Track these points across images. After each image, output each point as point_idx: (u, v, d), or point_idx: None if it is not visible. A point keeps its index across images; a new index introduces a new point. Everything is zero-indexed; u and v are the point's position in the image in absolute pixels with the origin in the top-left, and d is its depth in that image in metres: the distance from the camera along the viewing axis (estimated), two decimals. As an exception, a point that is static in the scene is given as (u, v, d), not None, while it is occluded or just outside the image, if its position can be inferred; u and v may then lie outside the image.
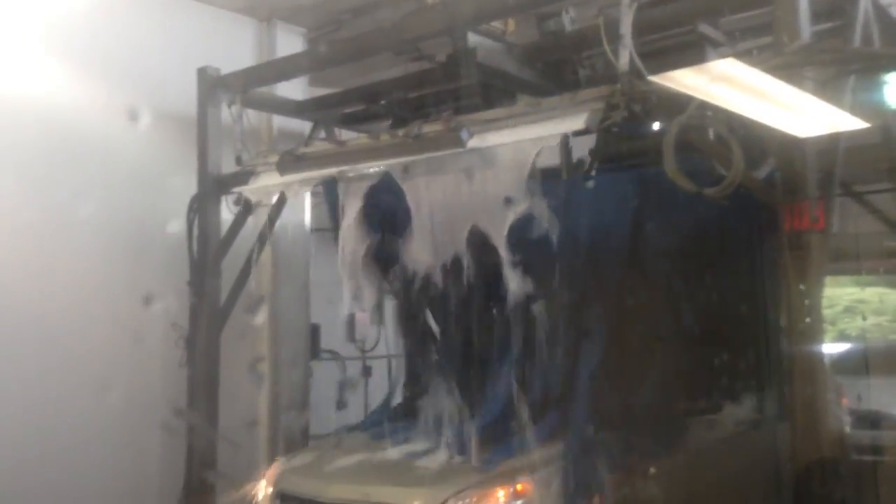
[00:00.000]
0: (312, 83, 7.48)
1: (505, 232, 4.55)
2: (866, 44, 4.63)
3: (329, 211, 5.82)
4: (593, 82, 5.05)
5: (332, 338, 8.00)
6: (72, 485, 5.83)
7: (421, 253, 5.04)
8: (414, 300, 5.54)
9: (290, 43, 7.53)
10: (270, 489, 4.97)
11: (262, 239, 6.08)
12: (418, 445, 4.89)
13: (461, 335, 5.32)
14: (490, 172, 4.77)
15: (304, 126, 7.25)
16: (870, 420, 6.91)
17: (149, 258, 6.59)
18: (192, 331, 6.37)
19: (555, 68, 5.68)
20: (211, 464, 6.21)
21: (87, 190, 6.23)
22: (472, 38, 5.46)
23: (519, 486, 4.28)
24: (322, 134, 6.96)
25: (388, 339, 6.33)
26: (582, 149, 5.68)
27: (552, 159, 4.79)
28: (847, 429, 4.71)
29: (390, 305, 5.87)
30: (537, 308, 4.83)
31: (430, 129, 5.17)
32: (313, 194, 6.37)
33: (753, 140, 4.30)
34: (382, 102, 6.36)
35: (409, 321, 5.75)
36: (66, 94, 6.03)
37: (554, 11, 5.55)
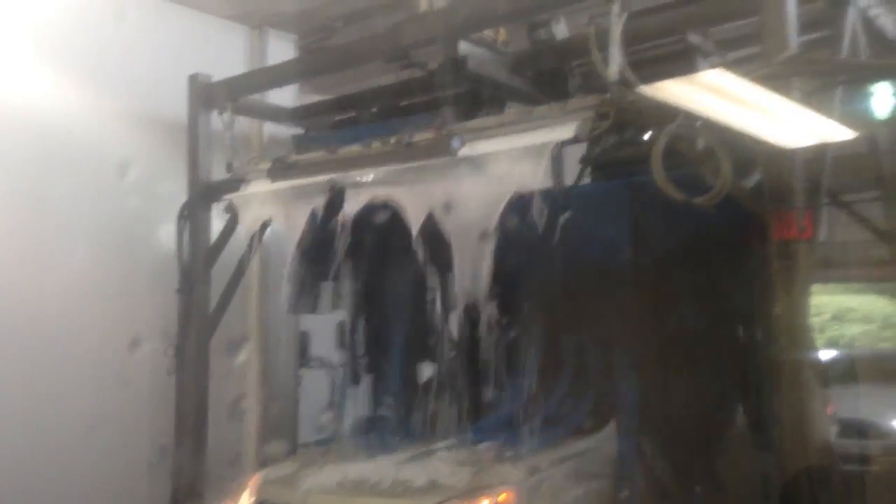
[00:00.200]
0: (303, 90, 7.49)
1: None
2: (854, 54, 4.66)
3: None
4: (583, 91, 5.07)
5: (322, 345, 7.99)
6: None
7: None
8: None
9: (281, 50, 7.54)
10: (252, 500, 4.95)
11: (252, 246, 6.07)
12: (402, 455, 4.88)
13: (464, 342, 5.32)
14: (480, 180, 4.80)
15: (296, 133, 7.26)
16: (857, 429, 6.94)
17: (138, 265, 6.57)
18: (181, 338, 6.36)
19: (545, 77, 5.69)
20: (199, 474, 6.20)
21: (76, 196, 6.23)
22: (463, 47, 5.47)
23: (502, 496, 4.28)
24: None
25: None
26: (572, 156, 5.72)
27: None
28: (833, 437, 4.72)
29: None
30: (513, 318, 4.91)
31: (421, 137, 5.19)
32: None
33: (741, 149, 4.32)
34: (374, 110, 6.37)
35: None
36: (57, 100, 6.02)
37: (544, 20, 5.58)
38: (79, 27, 6.19)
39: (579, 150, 5.02)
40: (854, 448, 6.75)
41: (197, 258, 6.44)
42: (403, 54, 5.69)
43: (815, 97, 4.03)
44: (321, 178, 5.58)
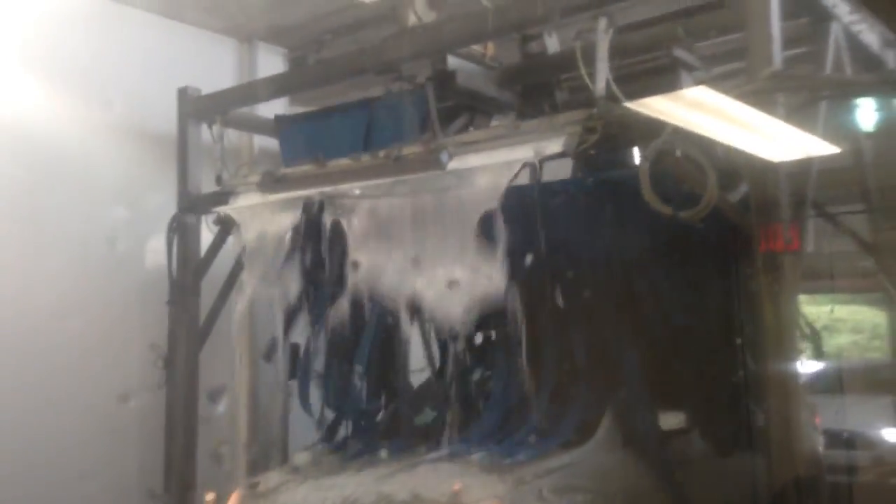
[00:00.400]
0: (293, 102, 7.51)
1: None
2: (838, 70, 4.72)
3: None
4: (570, 106, 5.11)
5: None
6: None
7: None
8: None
9: (270, 63, 7.56)
10: None
11: (242, 258, 6.08)
12: (387, 468, 4.87)
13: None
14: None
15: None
16: (845, 440, 6.96)
17: (127, 277, 6.57)
18: (170, 351, 6.36)
19: (534, 91, 5.73)
20: (190, 486, 6.19)
21: (66, 208, 6.23)
22: (452, 61, 5.51)
23: None
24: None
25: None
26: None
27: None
28: (820, 449, 4.74)
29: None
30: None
31: (410, 150, 5.23)
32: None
33: (727, 163, 4.36)
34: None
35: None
36: (47, 113, 6.03)
37: (537, 33, 5.62)
38: (68, 41, 6.20)
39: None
40: (842, 459, 6.78)
41: (187, 270, 6.44)
42: (393, 67, 5.72)
43: (800, 112, 4.07)
44: (310, 191, 5.63)
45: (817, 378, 8.61)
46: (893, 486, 6.37)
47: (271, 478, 5.17)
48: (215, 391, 5.92)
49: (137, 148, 6.58)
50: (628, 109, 4.00)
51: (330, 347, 5.74)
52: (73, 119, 6.18)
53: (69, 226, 6.26)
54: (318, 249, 5.58)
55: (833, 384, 8.41)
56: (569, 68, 5.01)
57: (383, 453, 5.14)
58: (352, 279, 5.25)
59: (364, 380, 5.63)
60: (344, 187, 5.40)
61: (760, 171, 4.17)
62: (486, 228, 4.68)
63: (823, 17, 4.73)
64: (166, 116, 6.52)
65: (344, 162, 5.55)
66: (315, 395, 5.91)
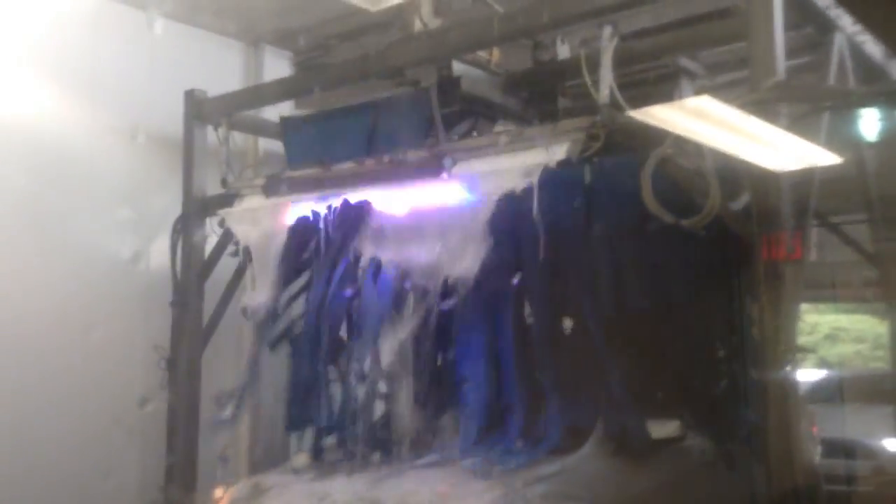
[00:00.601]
0: (299, 105, 7.53)
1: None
2: (841, 80, 4.73)
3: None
4: (573, 113, 5.13)
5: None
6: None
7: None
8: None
9: (276, 66, 7.61)
10: None
11: (245, 260, 6.11)
12: (377, 472, 4.88)
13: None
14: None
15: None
16: (845, 449, 6.96)
17: (132, 278, 6.60)
18: (173, 352, 6.38)
19: (538, 97, 5.75)
20: (192, 487, 6.21)
21: (72, 209, 6.26)
22: (457, 67, 5.53)
23: None
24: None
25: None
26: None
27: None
28: (817, 458, 4.75)
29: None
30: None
31: (413, 155, 5.26)
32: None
33: (730, 172, 4.37)
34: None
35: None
36: (54, 115, 6.07)
37: (549, 41, 5.65)
38: (75, 43, 6.23)
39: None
40: (841, 468, 6.78)
41: (191, 272, 6.47)
42: (398, 72, 5.75)
43: (803, 122, 4.09)
44: (314, 194, 5.66)
45: (819, 387, 8.63)
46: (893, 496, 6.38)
47: (260, 481, 5.17)
48: (222, 396, 5.93)
49: (143, 150, 6.61)
50: (632, 117, 4.02)
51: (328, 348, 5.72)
52: (80, 120, 6.22)
53: (74, 226, 6.29)
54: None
55: (834, 393, 8.42)
56: (573, 75, 5.03)
57: (377, 457, 5.13)
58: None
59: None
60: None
61: (763, 180, 4.19)
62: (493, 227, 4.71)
63: (827, 28, 4.74)
64: (173, 118, 6.55)
65: (348, 166, 5.58)
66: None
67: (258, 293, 5.77)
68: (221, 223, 6.27)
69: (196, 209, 6.49)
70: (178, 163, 6.58)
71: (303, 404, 5.58)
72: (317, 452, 5.52)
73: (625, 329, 4.68)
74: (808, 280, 4.47)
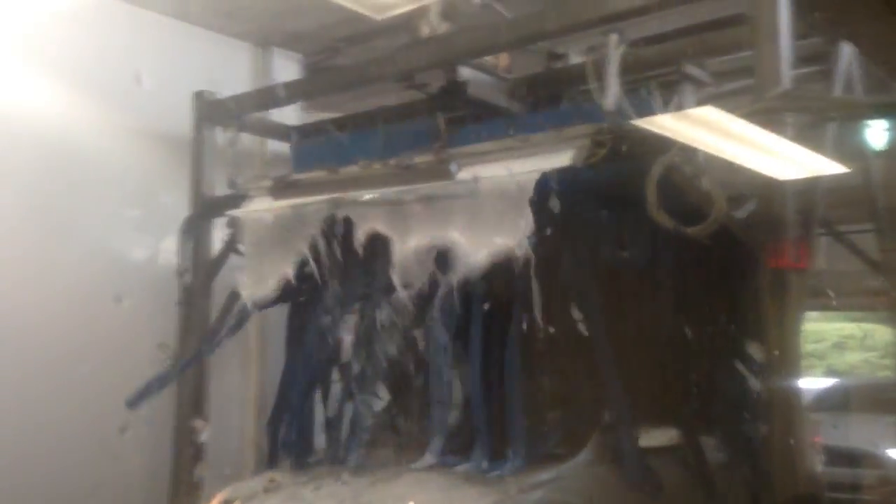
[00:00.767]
0: (307, 107, 7.56)
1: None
2: (848, 90, 4.72)
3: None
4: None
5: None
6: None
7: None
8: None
9: (286, 69, 7.63)
10: None
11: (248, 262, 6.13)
12: (372, 476, 4.87)
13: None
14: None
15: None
16: (851, 458, 6.94)
17: (139, 278, 6.63)
18: (180, 352, 6.41)
19: (545, 103, 5.76)
20: (198, 485, 6.24)
21: (79, 208, 6.30)
22: (465, 72, 5.55)
23: None
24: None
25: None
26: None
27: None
28: (820, 467, 4.74)
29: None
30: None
31: (421, 159, 5.27)
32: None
33: (735, 180, 4.37)
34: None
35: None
36: (63, 115, 6.09)
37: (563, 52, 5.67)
38: (84, 44, 6.26)
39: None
40: (847, 477, 6.76)
41: (198, 272, 6.50)
42: (406, 76, 5.78)
43: (808, 132, 4.08)
44: (321, 197, 5.68)
45: (827, 396, 8.60)
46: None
47: (255, 484, 5.18)
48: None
49: (152, 150, 6.65)
50: (637, 125, 4.03)
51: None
52: (89, 120, 6.24)
53: (82, 226, 6.33)
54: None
55: (842, 402, 8.40)
56: (581, 82, 5.04)
57: (372, 461, 5.13)
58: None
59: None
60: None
61: (768, 188, 4.18)
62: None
63: (834, 38, 4.73)
64: (182, 119, 6.58)
65: (355, 169, 5.60)
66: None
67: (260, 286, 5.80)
68: (229, 224, 6.30)
69: (204, 210, 6.52)
70: (187, 163, 6.62)
71: (298, 404, 5.60)
72: (307, 455, 5.54)
73: (625, 337, 4.67)
74: (814, 288, 4.46)
